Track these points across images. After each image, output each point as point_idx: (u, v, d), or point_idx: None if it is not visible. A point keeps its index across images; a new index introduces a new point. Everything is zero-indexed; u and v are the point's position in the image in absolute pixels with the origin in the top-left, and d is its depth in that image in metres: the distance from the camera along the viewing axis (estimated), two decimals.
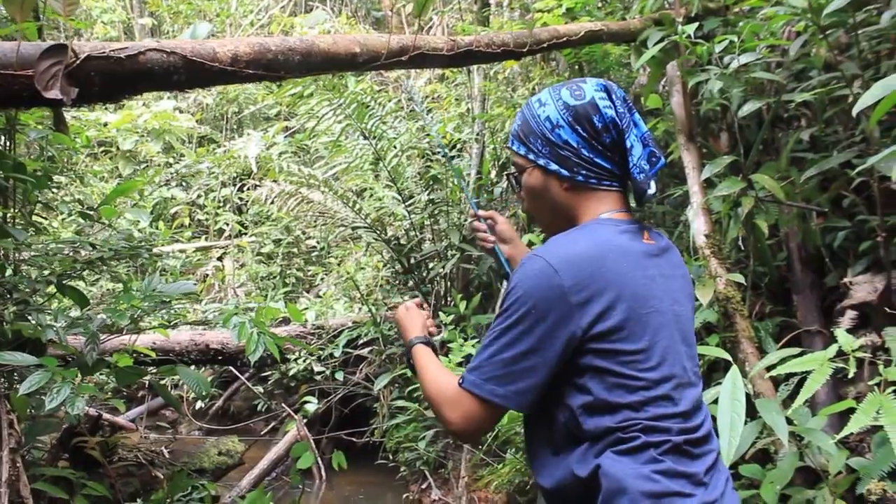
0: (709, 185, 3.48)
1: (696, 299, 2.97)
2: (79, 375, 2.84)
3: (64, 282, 3.29)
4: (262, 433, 7.54)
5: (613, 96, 1.61)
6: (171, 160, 10.10)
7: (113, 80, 2.18)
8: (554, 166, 1.61)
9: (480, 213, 2.02)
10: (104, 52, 2.12)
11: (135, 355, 3.98)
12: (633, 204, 1.67)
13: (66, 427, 3.59)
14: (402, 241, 6.49)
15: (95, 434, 3.83)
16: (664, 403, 1.47)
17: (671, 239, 2.24)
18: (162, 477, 4.15)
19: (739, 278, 3.14)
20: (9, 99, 2.11)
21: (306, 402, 6.61)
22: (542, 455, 1.57)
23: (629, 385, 1.45)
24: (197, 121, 10.33)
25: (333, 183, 6.21)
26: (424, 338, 1.86)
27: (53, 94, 2.00)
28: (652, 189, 1.60)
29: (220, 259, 9.46)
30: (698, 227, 3.32)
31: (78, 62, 2.09)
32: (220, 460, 4.93)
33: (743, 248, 3.48)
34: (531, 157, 1.65)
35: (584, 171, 1.60)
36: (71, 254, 3.45)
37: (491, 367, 1.49)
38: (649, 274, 1.54)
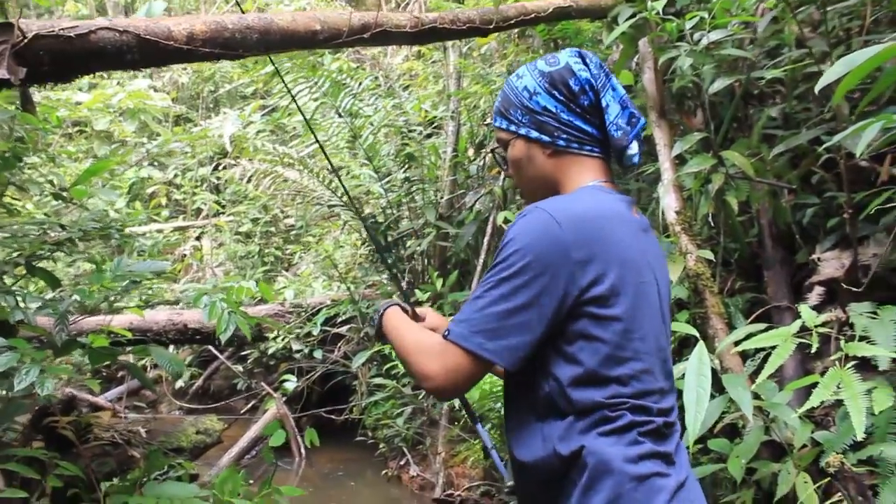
0: (681, 161, 3.49)
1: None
2: (50, 357, 2.82)
3: (34, 263, 3.26)
4: (242, 412, 7.55)
5: (588, 60, 1.62)
6: (145, 140, 10.00)
7: (63, 59, 2.14)
8: (535, 134, 1.61)
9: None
10: (53, 31, 2.09)
11: (112, 336, 3.96)
12: (616, 167, 1.67)
13: (38, 408, 3.57)
14: (379, 220, 6.48)
15: (69, 414, 3.81)
16: (647, 378, 1.46)
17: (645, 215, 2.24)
18: (139, 456, 4.14)
19: (709, 255, 3.17)
20: None
21: (285, 380, 6.61)
22: (522, 428, 1.52)
23: (619, 356, 1.43)
24: (172, 100, 10.22)
25: (309, 161, 6.18)
26: (400, 302, 1.82)
27: (0, 73, 1.97)
28: (633, 149, 1.60)
29: (198, 239, 9.41)
30: (669, 203, 3.34)
31: (25, 41, 2.06)
32: (198, 439, 4.92)
33: (714, 224, 3.50)
34: (512, 128, 1.65)
35: (564, 136, 1.59)
36: (40, 235, 3.41)
37: (482, 319, 1.42)
38: (641, 247, 1.53)
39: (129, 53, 2.18)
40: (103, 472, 3.85)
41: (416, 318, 1.85)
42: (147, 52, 2.24)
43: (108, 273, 3.22)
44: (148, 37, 2.21)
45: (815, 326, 2.46)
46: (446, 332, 1.46)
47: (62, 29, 2.09)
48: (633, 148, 1.59)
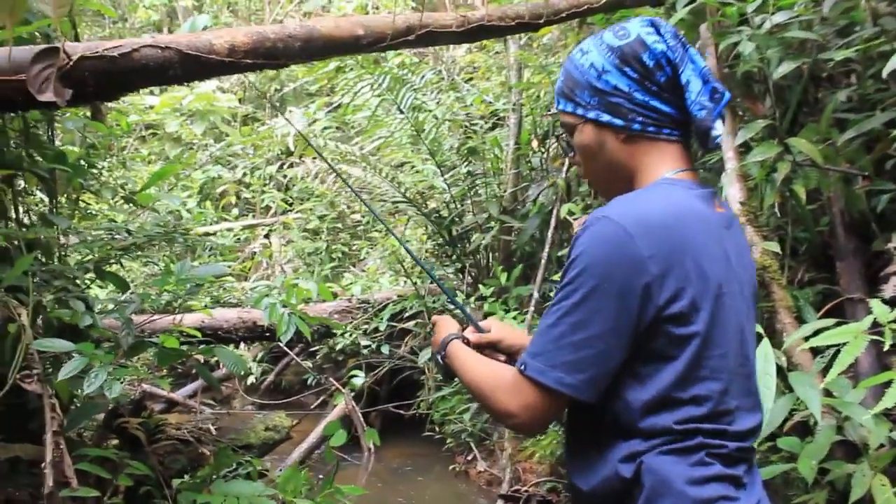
0: (745, 150, 3.37)
1: None
2: (118, 358, 2.90)
3: (103, 267, 3.36)
4: (312, 407, 7.66)
5: (662, 30, 1.43)
6: (212, 140, 10.21)
7: (107, 78, 2.19)
8: (606, 117, 1.43)
9: (473, 337, 1.76)
10: (97, 52, 2.13)
11: (183, 335, 4.06)
12: (697, 149, 1.52)
13: (109, 409, 3.68)
14: (443, 214, 6.47)
15: (139, 414, 3.92)
16: (724, 398, 1.33)
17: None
18: (209, 453, 4.24)
19: (776, 247, 3.04)
20: (3, 104, 2.14)
21: (353, 375, 6.68)
22: (585, 453, 1.40)
23: (695, 376, 1.30)
24: (238, 100, 10.41)
25: (372, 158, 6.21)
26: (459, 335, 1.70)
27: (47, 97, 2.02)
28: (718, 129, 1.41)
29: (266, 237, 9.57)
30: (733, 194, 3.22)
31: (71, 63, 2.10)
32: (266, 436, 5.01)
33: (781, 213, 3.37)
34: (580, 111, 1.47)
35: (640, 118, 1.42)
36: (110, 240, 3.52)
37: (558, 352, 1.30)
38: (725, 249, 1.38)
39: (171, 69, 2.22)
40: (174, 470, 3.95)
41: (480, 331, 1.76)
42: (189, 67, 2.27)
43: (173, 277, 3.29)
44: (190, 51, 2.24)
45: (889, 323, 2.34)
46: (522, 367, 1.35)
47: (106, 49, 2.14)
48: (718, 128, 1.41)
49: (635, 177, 1.45)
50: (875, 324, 2.43)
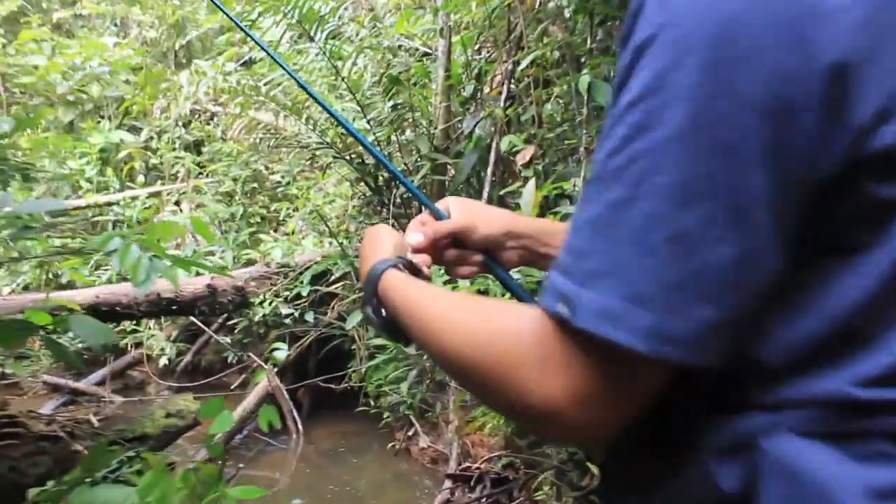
0: None
1: None
2: None
3: None
4: (233, 387, 6.85)
5: None
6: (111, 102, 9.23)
7: None
8: None
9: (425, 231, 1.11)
10: None
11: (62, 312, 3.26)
12: None
13: None
14: (368, 160, 5.68)
15: None
16: None
17: None
18: (84, 451, 3.42)
19: None
20: None
21: (275, 349, 5.92)
22: (638, 457, 0.70)
23: None
24: (138, 54, 9.39)
25: (282, 98, 5.37)
26: (398, 259, 1.02)
27: None
28: None
29: (177, 204, 8.65)
30: None
31: None
32: (167, 423, 4.20)
33: None
34: None
35: None
36: None
37: (643, 267, 0.58)
38: None
39: None
40: (34, 476, 3.13)
41: (437, 216, 1.13)
42: None
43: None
44: None
45: None
46: (561, 307, 0.61)
47: None
48: None
49: None
50: None
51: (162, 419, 4.17)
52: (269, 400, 6.00)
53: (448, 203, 1.14)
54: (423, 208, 1.15)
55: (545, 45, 4.21)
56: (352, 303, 5.71)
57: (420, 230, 1.09)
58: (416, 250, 1.07)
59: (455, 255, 1.12)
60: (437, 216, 1.12)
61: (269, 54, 1.42)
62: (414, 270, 1.03)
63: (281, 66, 1.37)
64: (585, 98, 3.60)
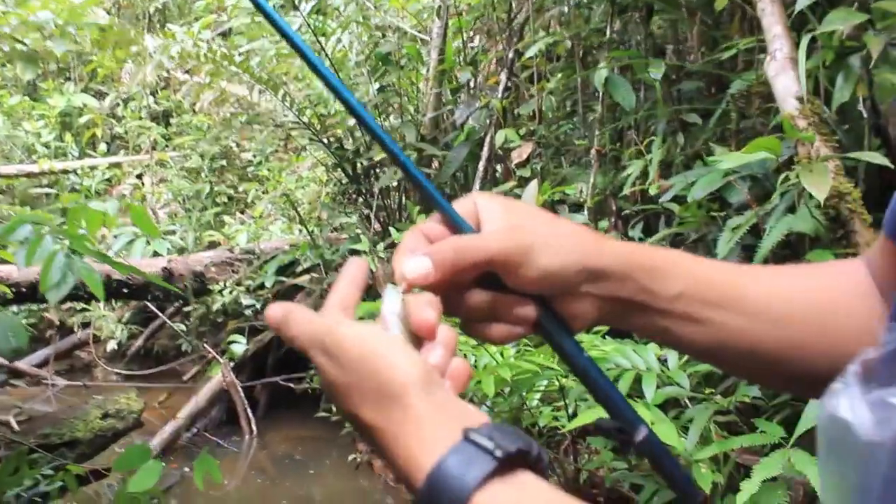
0: (801, 23, 2.27)
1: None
2: None
3: None
4: (185, 379, 6.39)
5: None
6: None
7: None
8: None
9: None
10: None
11: None
12: None
13: None
14: (347, 147, 5.24)
15: None
16: None
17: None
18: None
19: (880, 158, 1.94)
20: None
21: (233, 341, 5.47)
22: None
23: None
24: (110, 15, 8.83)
25: (258, 71, 4.90)
26: (498, 450, 0.50)
27: None
28: None
29: (139, 177, 8.13)
30: (785, 86, 2.12)
31: None
32: (104, 426, 3.75)
33: (846, 116, 2.31)
34: None
35: None
36: None
37: None
38: None
39: None
40: None
41: (459, 227, 0.65)
42: None
43: None
44: None
45: None
46: None
47: None
48: None
49: None
50: None
51: (97, 421, 3.72)
52: (224, 396, 5.57)
53: (478, 204, 0.67)
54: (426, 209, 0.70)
55: (553, 33, 3.80)
56: (319, 297, 5.27)
57: (425, 251, 0.63)
58: (416, 285, 0.61)
59: (487, 301, 0.64)
60: (458, 227, 0.66)
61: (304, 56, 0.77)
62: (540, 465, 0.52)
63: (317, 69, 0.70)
64: (601, 94, 3.20)
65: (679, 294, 0.65)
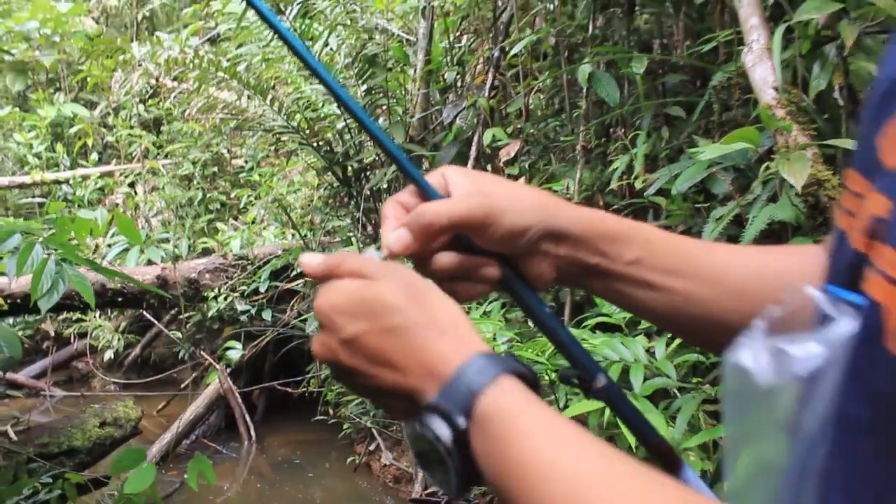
0: (777, 14, 2.30)
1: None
2: None
3: None
4: (183, 386, 6.39)
5: None
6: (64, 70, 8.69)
7: None
8: None
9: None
10: None
11: None
12: None
13: None
14: (337, 150, 5.24)
15: None
16: None
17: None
18: None
19: (848, 143, 1.98)
20: None
21: (229, 347, 5.49)
22: None
23: None
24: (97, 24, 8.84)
25: (246, 76, 4.91)
26: (513, 364, 0.59)
27: None
28: None
29: (131, 185, 8.13)
30: (763, 77, 2.15)
31: None
32: (102, 434, 3.77)
33: (825, 104, 2.32)
34: None
35: None
36: None
37: None
38: None
39: None
40: None
41: (427, 194, 0.72)
42: None
43: None
44: None
45: None
46: None
47: None
48: None
49: None
50: None
51: (95, 429, 3.73)
52: (222, 402, 5.58)
53: (446, 175, 0.72)
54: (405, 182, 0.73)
55: (539, 30, 3.82)
56: (312, 301, 5.29)
57: (403, 221, 0.69)
58: (398, 255, 0.68)
59: (454, 262, 0.70)
60: (428, 194, 0.71)
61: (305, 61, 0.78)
62: (532, 378, 0.60)
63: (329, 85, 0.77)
64: (585, 90, 3.21)
65: (636, 259, 0.70)
